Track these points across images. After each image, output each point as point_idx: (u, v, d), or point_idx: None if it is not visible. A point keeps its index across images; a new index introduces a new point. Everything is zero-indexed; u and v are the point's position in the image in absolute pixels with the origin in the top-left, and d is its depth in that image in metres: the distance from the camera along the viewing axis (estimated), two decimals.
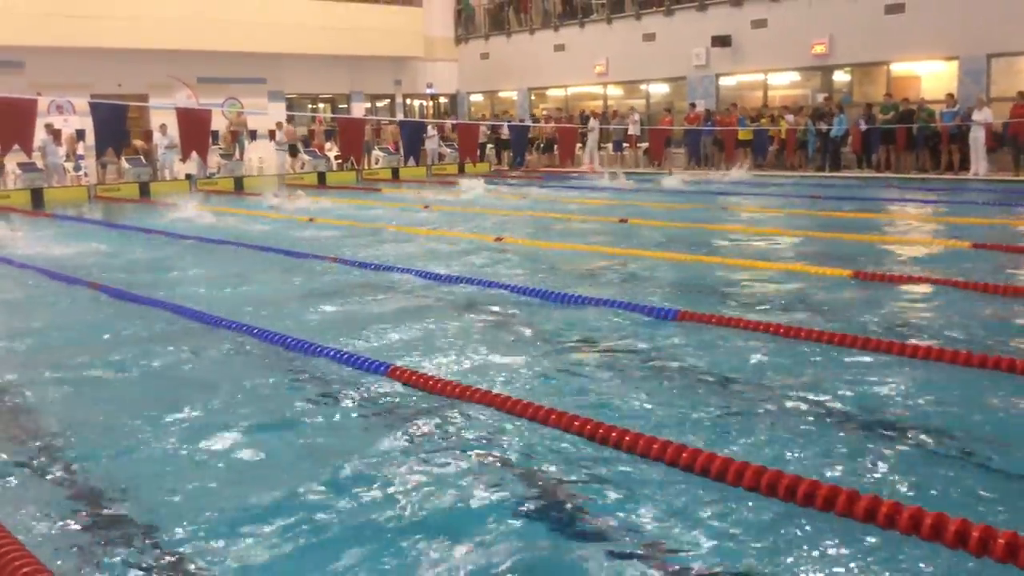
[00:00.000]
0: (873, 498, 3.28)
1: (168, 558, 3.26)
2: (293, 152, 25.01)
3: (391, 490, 3.74)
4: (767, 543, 3.25)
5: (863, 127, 20.30)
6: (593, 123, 25.56)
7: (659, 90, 26.87)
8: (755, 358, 5.58)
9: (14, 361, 6.08)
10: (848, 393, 4.85)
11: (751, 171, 21.78)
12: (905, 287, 7.68)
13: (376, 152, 26.37)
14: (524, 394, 4.85)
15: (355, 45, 27.82)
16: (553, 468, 3.95)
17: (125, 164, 22.09)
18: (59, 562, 3.20)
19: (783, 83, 24.32)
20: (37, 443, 4.49)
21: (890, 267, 8.72)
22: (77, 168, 22.09)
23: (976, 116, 18.43)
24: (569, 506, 3.60)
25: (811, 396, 4.82)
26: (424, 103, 32.74)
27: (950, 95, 19.46)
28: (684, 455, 3.80)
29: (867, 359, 5.41)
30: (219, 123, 23.00)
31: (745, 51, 23.57)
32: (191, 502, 3.68)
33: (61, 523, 3.57)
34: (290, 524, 3.47)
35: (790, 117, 21.97)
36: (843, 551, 3.16)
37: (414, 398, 4.91)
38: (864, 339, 5.67)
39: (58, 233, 13.98)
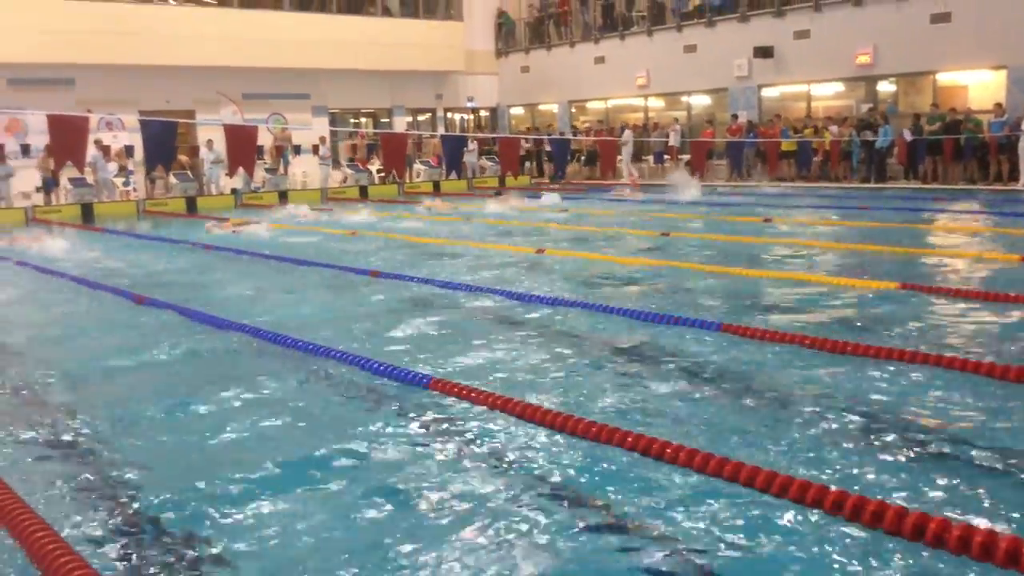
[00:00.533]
0: (921, 515, 3.23)
1: (213, 560, 3.32)
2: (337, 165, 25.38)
3: (429, 500, 3.77)
4: (824, 561, 3.21)
5: (909, 138, 20.02)
6: (626, 135, 25.49)
7: (700, 102, 26.77)
8: (798, 371, 5.53)
9: (64, 371, 6.22)
10: (891, 406, 4.79)
11: (775, 182, 21.60)
12: (953, 300, 7.55)
13: (417, 165, 26.58)
14: (564, 407, 4.85)
15: (397, 60, 28.10)
16: (597, 481, 3.94)
17: (173, 179, 22.51)
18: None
19: (827, 94, 24.10)
20: (84, 448, 4.59)
21: (937, 280, 8.59)
22: (126, 183, 22.55)
23: None
24: (618, 521, 3.59)
25: (856, 410, 4.76)
26: (465, 117, 32.94)
27: (998, 105, 19.14)
28: (727, 468, 3.77)
29: (913, 372, 5.33)
30: (264, 138, 23.34)
31: (788, 62, 23.40)
32: (231, 505, 3.74)
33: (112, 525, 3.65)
34: (324, 528, 3.51)
35: (834, 128, 21.74)
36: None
37: (455, 410, 4.94)
38: (912, 352, 5.59)
39: (108, 247, 14.28)
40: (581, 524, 3.53)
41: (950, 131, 19.56)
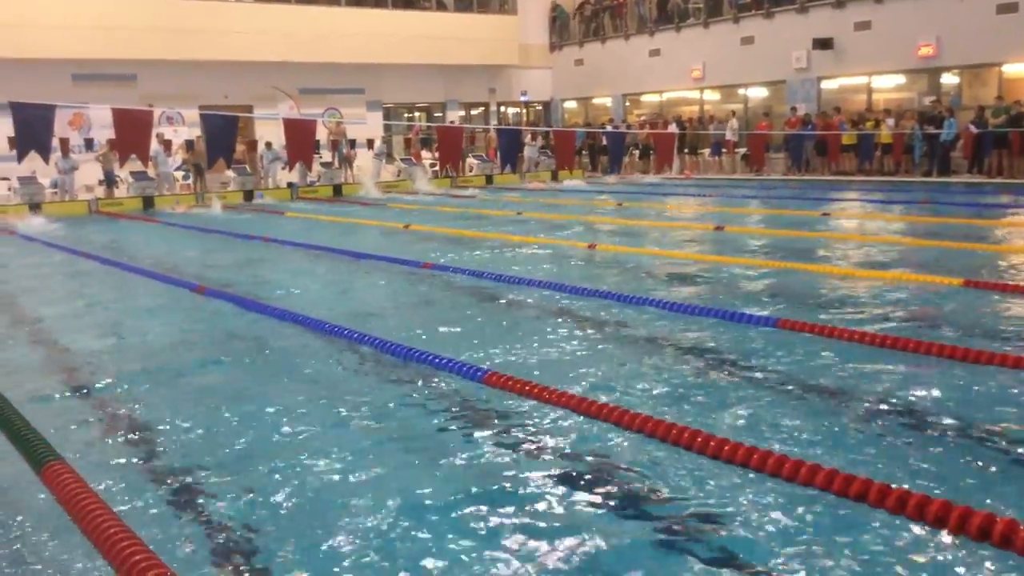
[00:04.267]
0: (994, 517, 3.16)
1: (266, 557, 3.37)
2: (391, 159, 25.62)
3: (486, 491, 3.78)
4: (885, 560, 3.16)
5: (974, 131, 19.50)
6: (671, 128, 25.16)
7: (758, 94, 26.38)
8: (857, 368, 5.42)
9: (117, 355, 6.36)
10: (954, 404, 4.68)
11: (836, 176, 21.19)
12: (1018, 297, 7.35)
13: (470, 159, 26.66)
14: (619, 400, 4.83)
15: (451, 54, 28.19)
16: (648, 476, 3.92)
17: (230, 172, 22.85)
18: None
19: (888, 86, 23.57)
20: (135, 433, 4.69)
21: (1003, 276, 8.36)
22: (186, 177, 22.98)
23: None
24: (666, 515, 3.57)
25: (917, 408, 4.66)
26: (518, 110, 32.92)
27: None
28: (787, 466, 3.72)
29: (978, 370, 5.20)
30: (319, 132, 23.59)
31: (848, 53, 22.95)
32: (287, 498, 3.79)
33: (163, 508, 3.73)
34: (376, 516, 3.54)
35: (890, 121, 21.27)
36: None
37: (510, 403, 4.94)
38: (976, 351, 5.45)
39: (167, 238, 14.56)
40: (632, 517, 3.52)
41: (1015, 124, 19.01)
